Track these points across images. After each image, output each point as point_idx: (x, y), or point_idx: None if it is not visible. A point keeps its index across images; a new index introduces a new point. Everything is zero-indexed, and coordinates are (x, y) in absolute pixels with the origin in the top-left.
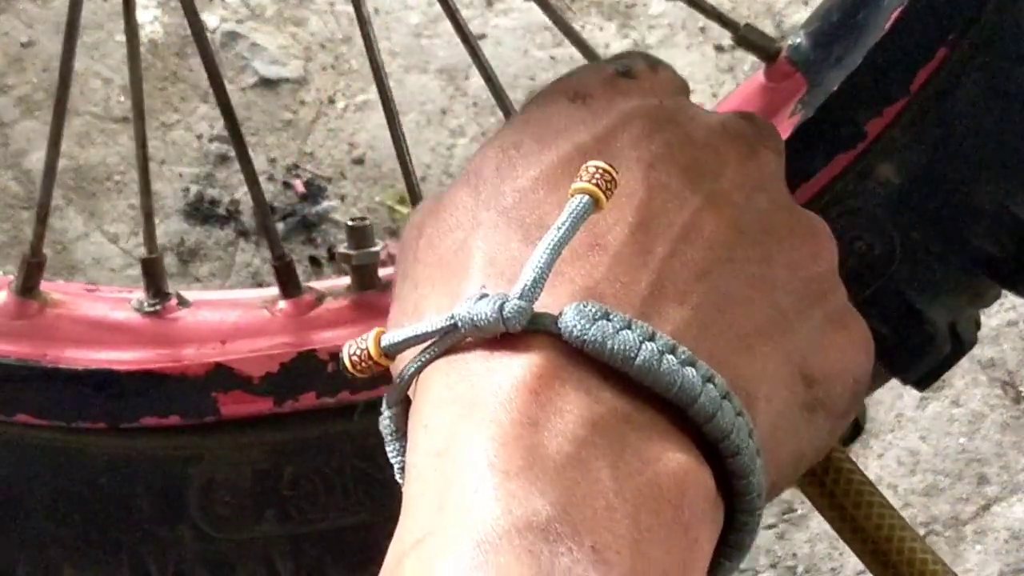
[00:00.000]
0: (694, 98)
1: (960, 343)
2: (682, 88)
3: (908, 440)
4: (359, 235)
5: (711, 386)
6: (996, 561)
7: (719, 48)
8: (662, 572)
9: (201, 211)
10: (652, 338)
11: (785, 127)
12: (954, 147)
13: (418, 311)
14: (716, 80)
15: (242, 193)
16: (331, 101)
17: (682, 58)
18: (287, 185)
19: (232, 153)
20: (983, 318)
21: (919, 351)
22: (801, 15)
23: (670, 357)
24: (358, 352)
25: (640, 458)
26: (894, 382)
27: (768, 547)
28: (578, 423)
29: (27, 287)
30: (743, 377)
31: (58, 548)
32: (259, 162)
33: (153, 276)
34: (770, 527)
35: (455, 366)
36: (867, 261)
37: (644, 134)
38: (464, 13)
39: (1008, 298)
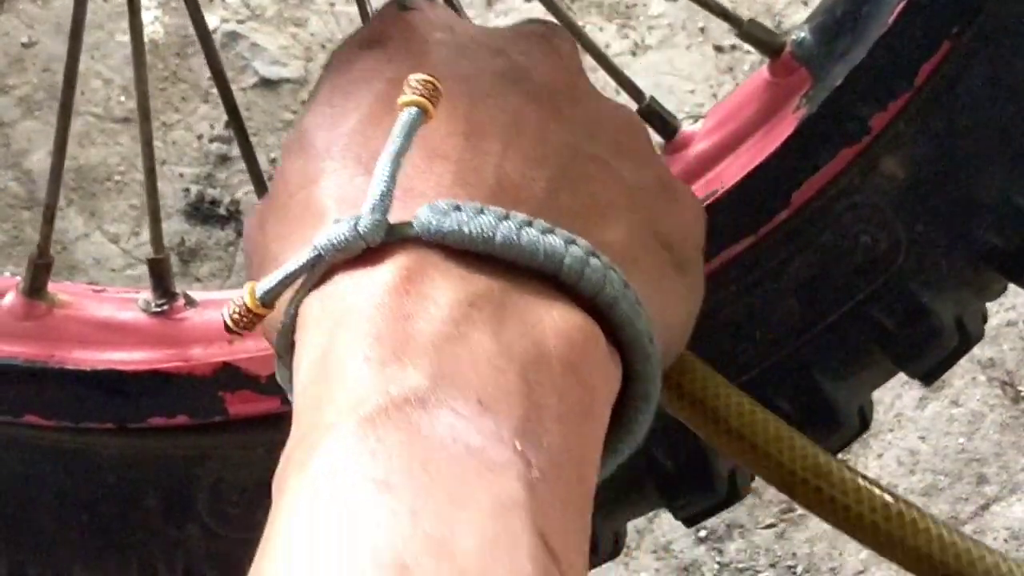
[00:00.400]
0: (694, 98)
1: (966, 336)
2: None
3: (908, 440)
4: None
5: (575, 247)
6: None
7: (719, 48)
8: (557, 417)
9: (201, 211)
10: (507, 217)
11: (789, 122)
12: (959, 141)
13: (263, 260)
14: (716, 80)
15: (243, 193)
16: None
17: (682, 58)
18: None
19: (233, 153)
20: None
21: (925, 345)
22: (801, 15)
23: (529, 230)
24: (236, 309)
25: (523, 322)
26: (894, 381)
27: (768, 547)
28: (453, 305)
29: (34, 288)
30: (606, 244)
31: (67, 548)
32: (260, 162)
33: (160, 276)
34: (769, 527)
35: (327, 291)
36: (873, 255)
37: (450, 53)
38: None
39: (1007, 298)
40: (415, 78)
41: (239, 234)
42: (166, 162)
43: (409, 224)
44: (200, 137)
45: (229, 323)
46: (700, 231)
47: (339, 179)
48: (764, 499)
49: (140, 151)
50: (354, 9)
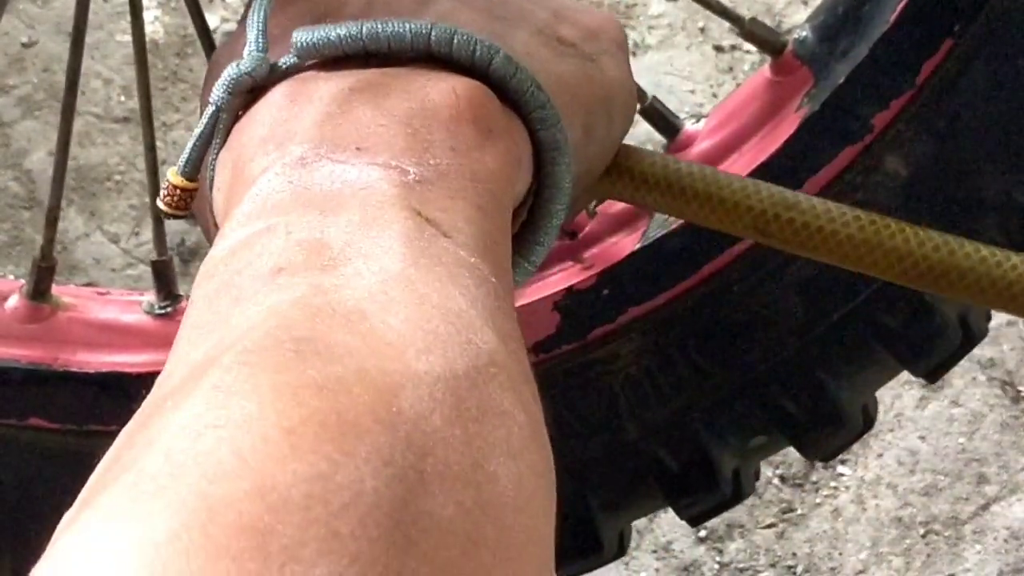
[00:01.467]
0: (694, 98)
1: (970, 334)
2: None
3: (908, 440)
4: None
5: (440, 26)
6: (995, 560)
7: (719, 48)
8: (448, 149)
9: None
10: (375, 21)
11: (792, 121)
12: (961, 139)
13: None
14: (716, 80)
15: None
16: None
17: (682, 58)
18: None
19: None
20: None
21: (929, 343)
22: (801, 15)
23: (395, 21)
24: (166, 191)
25: (406, 91)
26: (894, 381)
27: (767, 547)
28: (335, 93)
29: (38, 291)
30: (502, 43)
31: None
32: None
33: (163, 278)
34: (769, 527)
35: (233, 136)
36: None
37: None
38: None
39: None
40: None
41: None
42: (166, 162)
43: (286, 56)
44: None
45: (163, 207)
46: (610, 28)
47: (236, 39)
48: (764, 499)
49: (140, 151)
50: None
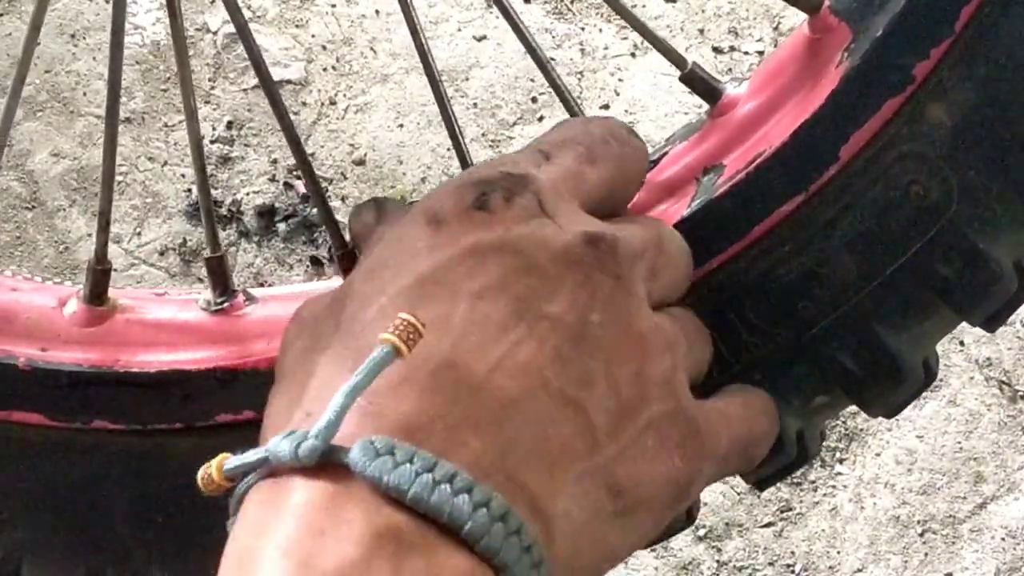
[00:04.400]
0: (693, 98)
1: None
2: (539, 207)
3: (905, 439)
4: None
5: (483, 511)
6: (992, 559)
7: (718, 50)
8: None
9: None
10: (432, 469)
11: (833, 77)
12: (1003, 83)
13: (265, 429)
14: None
15: (244, 193)
16: (332, 102)
17: None
18: (288, 186)
19: (234, 154)
20: None
21: (985, 291)
22: (800, 16)
23: (445, 487)
24: (206, 475)
25: (425, 563)
26: None
27: (766, 546)
28: (364, 532)
29: (95, 294)
30: (539, 497)
31: (143, 551)
32: (261, 163)
33: (218, 274)
34: (768, 525)
35: (267, 488)
36: (925, 205)
37: (478, 265)
38: (464, 14)
39: None
40: (400, 316)
41: (241, 234)
42: (168, 163)
43: (345, 452)
44: (202, 138)
45: (200, 484)
46: (674, 471)
47: (333, 366)
48: (763, 498)
49: (142, 152)
50: (354, 10)
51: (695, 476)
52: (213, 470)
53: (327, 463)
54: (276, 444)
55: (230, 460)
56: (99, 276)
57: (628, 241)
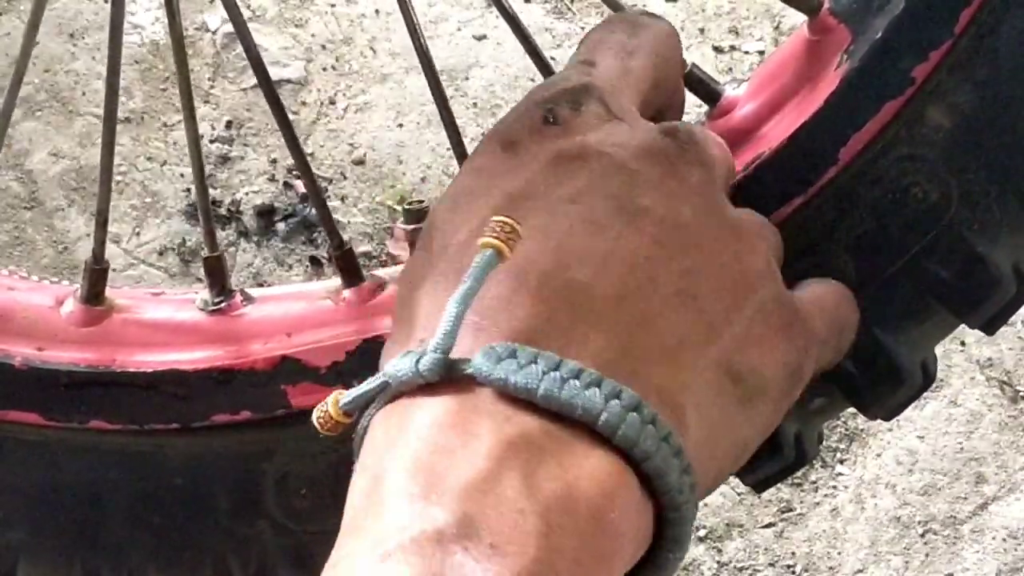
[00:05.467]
0: (693, 98)
1: None
2: (606, 111)
3: (906, 439)
4: (420, 215)
5: (615, 401)
6: (993, 560)
7: (718, 49)
8: (573, 560)
9: None
10: (557, 367)
11: (832, 79)
12: (1002, 86)
13: (382, 365)
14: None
15: (243, 193)
16: (332, 102)
17: None
18: (288, 186)
19: (233, 154)
20: None
21: (984, 294)
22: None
23: (573, 382)
24: (323, 414)
25: (558, 465)
26: None
27: (767, 546)
28: (493, 443)
29: (92, 294)
30: (667, 389)
31: (140, 551)
32: (260, 163)
33: (216, 274)
34: (768, 526)
35: (391, 414)
36: (924, 207)
37: (565, 173)
38: (464, 14)
39: None
40: (495, 219)
41: (240, 234)
42: (167, 163)
43: (467, 362)
44: (201, 138)
45: (316, 426)
46: (789, 353)
47: (436, 293)
48: (764, 499)
49: (141, 152)
50: (354, 10)
51: (803, 360)
52: (329, 407)
53: (449, 378)
54: (394, 365)
55: (346, 394)
56: (96, 275)
57: (700, 130)
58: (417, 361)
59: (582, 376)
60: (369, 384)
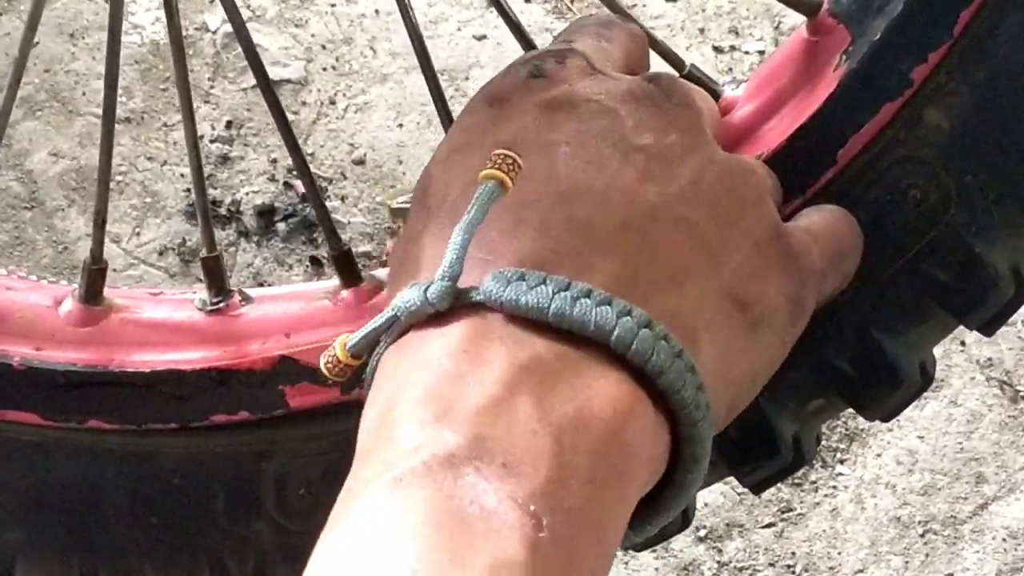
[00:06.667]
0: None
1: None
2: (590, 66)
3: (906, 439)
4: (406, 214)
5: (627, 318)
6: (993, 560)
7: (718, 49)
8: (587, 479)
9: None
10: (567, 288)
11: (830, 80)
12: (1001, 88)
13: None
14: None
15: (243, 193)
16: (332, 102)
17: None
18: (288, 186)
19: (233, 154)
20: None
21: (982, 296)
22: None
23: (584, 301)
24: (330, 359)
25: (571, 386)
26: None
27: (767, 546)
28: (505, 368)
29: (91, 294)
30: (678, 312)
31: (137, 550)
32: (260, 163)
33: (214, 274)
34: (768, 526)
35: (401, 348)
36: (923, 209)
37: (556, 119)
38: (464, 14)
39: None
40: (496, 152)
41: (240, 234)
42: (167, 163)
43: (475, 290)
44: (201, 138)
45: (324, 372)
46: (789, 283)
47: (439, 240)
48: (764, 499)
49: (141, 152)
50: (354, 10)
51: (802, 292)
52: (337, 351)
53: (458, 305)
54: (402, 298)
55: (353, 336)
56: (95, 275)
57: (682, 80)
58: (425, 290)
59: (593, 295)
60: (377, 321)
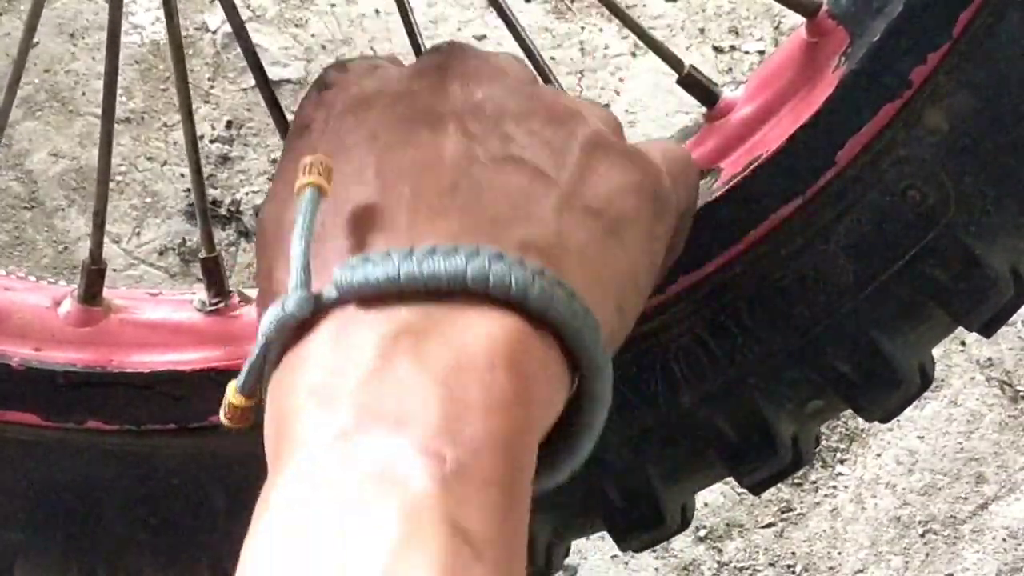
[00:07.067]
0: (693, 99)
1: (1023, 285)
2: (370, 67)
3: (906, 439)
4: None
5: (477, 259)
6: (993, 560)
7: (718, 49)
8: (483, 408)
9: None
10: (410, 254)
11: (830, 81)
12: (1000, 89)
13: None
14: (716, 81)
15: (243, 193)
16: None
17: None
18: None
19: (233, 154)
20: None
21: (981, 297)
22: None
23: (432, 258)
24: (227, 408)
25: (445, 337)
26: None
27: (767, 546)
28: (376, 343)
29: (90, 294)
30: (531, 240)
31: (136, 551)
32: (260, 163)
33: (213, 275)
34: (768, 526)
35: (283, 368)
36: (922, 210)
37: (358, 117)
38: (464, 14)
39: None
40: (305, 161)
41: (240, 234)
42: (167, 162)
43: (328, 287)
44: (201, 138)
45: (227, 423)
46: (631, 179)
47: (280, 264)
48: (764, 499)
49: (141, 152)
50: (354, 10)
51: (652, 185)
52: (230, 397)
53: (319, 312)
54: (264, 324)
55: (237, 378)
56: (94, 276)
57: (463, 42)
58: (283, 305)
59: (438, 250)
60: (252, 356)
